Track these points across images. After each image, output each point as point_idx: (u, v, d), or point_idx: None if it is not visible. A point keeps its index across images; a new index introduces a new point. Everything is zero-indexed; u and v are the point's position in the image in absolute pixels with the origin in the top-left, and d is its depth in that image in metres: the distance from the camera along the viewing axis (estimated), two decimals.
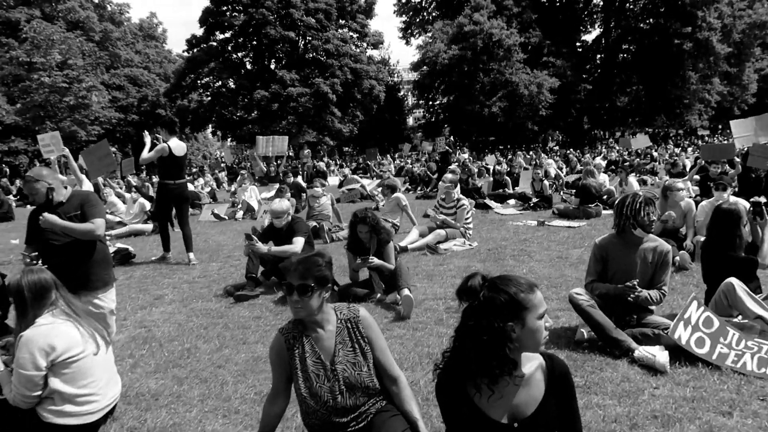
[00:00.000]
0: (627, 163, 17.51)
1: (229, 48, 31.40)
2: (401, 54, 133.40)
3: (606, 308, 4.19)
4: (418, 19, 51.77)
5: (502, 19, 41.07)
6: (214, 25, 29.92)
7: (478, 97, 41.03)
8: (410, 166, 19.78)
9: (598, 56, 51.14)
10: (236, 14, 27.98)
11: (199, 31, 31.02)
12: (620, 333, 4.02)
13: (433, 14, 51.09)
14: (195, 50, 31.08)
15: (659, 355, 3.80)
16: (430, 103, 47.16)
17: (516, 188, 13.38)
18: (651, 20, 46.17)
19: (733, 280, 4.27)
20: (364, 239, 5.67)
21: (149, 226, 10.83)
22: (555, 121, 45.52)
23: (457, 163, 21.80)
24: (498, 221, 10.35)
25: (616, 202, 4.36)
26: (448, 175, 8.74)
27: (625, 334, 4.06)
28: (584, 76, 48.80)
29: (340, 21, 28.69)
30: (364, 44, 31.19)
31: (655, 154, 25.74)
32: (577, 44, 51.66)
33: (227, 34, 30.89)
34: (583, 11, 50.51)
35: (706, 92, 45.18)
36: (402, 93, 56.75)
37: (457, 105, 44.14)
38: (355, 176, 17.16)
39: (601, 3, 49.97)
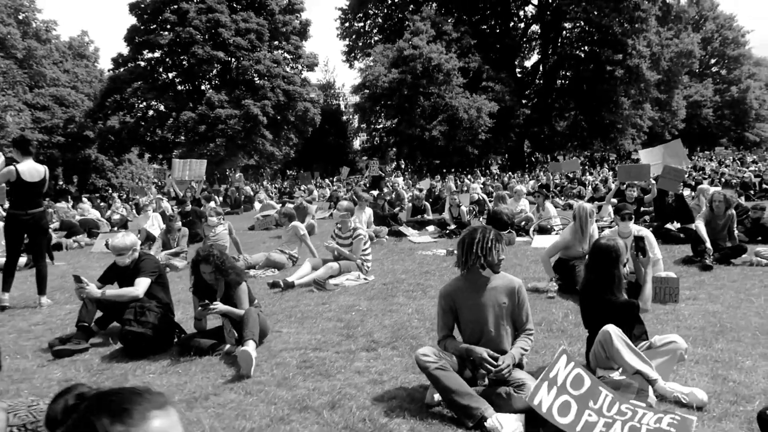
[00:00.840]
0: (544, 188, 17.34)
1: (159, 68, 30.13)
2: (347, 77, 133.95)
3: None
4: (360, 43, 51.86)
5: (441, 43, 41.39)
6: (141, 44, 28.65)
7: (418, 121, 41.01)
8: (338, 191, 19.06)
9: (537, 82, 52.27)
10: (163, 33, 26.84)
11: (126, 50, 29.65)
12: (474, 398, 3.36)
13: (375, 38, 51.29)
14: (121, 69, 29.66)
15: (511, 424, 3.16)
16: (372, 126, 46.90)
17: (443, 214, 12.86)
18: (585, 48, 47.62)
19: (610, 327, 3.69)
20: (210, 281, 4.85)
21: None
22: (495, 145, 45.92)
23: (387, 188, 21.33)
24: (407, 250, 9.71)
25: (461, 237, 3.80)
26: (343, 203, 8.04)
27: (481, 398, 3.41)
28: (523, 101, 49.75)
29: (274, 42, 27.96)
30: (299, 66, 30.52)
31: (590, 177, 26.08)
32: (517, 70, 52.79)
33: (156, 54, 29.67)
34: (521, 38, 51.68)
35: (638, 117, 46.70)
36: (347, 117, 56.54)
37: (399, 128, 44.17)
38: (272, 202, 16.31)
39: (539, 30, 51.36)
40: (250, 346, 4.34)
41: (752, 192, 17.30)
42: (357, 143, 58.35)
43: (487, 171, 44.11)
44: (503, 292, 3.65)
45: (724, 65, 63.74)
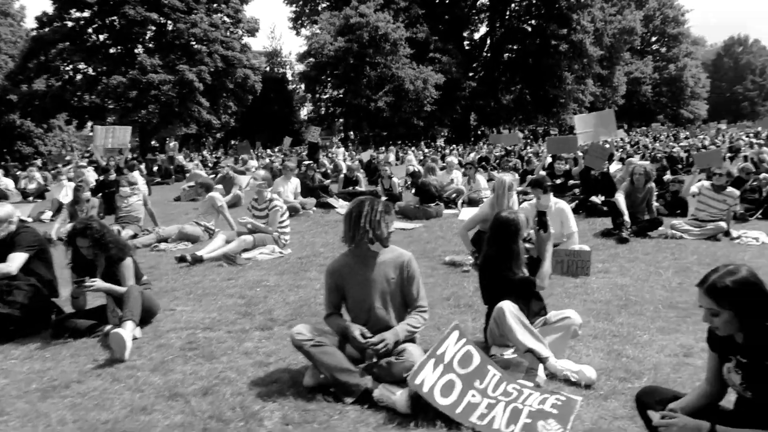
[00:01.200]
0: (483, 161, 17.40)
1: (88, 29, 28.15)
2: (294, 45, 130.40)
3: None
4: (307, 10, 50.48)
5: (389, 12, 40.66)
6: (67, 3, 26.58)
7: (364, 91, 40.45)
8: (273, 162, 18.47)
9: (485, 55, 52.30)
10: None
11: (51, 8, 27.46)
12: (352, 374, 3.17)
13: (323, 5, 49.99)
14: (46, 29, 27.58)
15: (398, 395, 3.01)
16: (318, 96, 45.99)
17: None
18: (532, 21, 47.85)
19: (504, 304, 3.53)
20: (89, 256, 4.43)
21: None
22: (441, 117, 45.87)
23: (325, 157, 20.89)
24: (333, 223, 9.41)
25: (348, 210, 3.54)
26: (260, 172, 7.65)
27: (363, 372, 3.23)
28: (470, 73, 49.76)
29: (212, 5, 26.54)
30: (239, 31, 29.14)
31: (528, 150, 26.42)
32: (465, 42, 52.62)
33: (85, 13, 27.66)
34: (470, 9, 51.33)
35: (580, 92, 47.49)
36: (293, 86, 55.09)
37: (345, 99, 43.50)
38: (200, 172, 15.63)
39: (488, 2, 51.10)
40: (126, 328, 3.98)
41: (680, 166, 17.77)
42: (304, 113, 57.13)
43: (432, 143, 44.07)
44: (391, 266, 3.43)
45: (664, 43, 65.47)
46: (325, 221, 9.63)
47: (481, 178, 10.89)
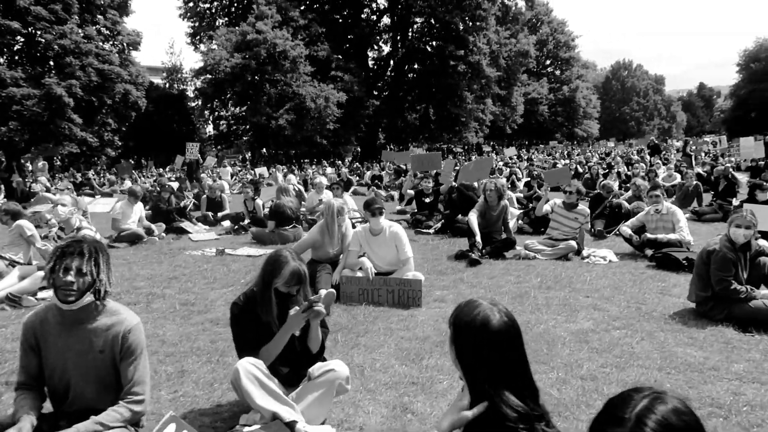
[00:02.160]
0: (377, 179, 16.99)
1: None
2: (193, 61, 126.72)
3: None
4: (204, 24, 48.91)
5: (288, 30, 39.98)
6: None
7: (264, 109, 39.43)
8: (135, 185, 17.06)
9: (389, 74, 52.71)
10: None
11: None
12: None
13: (221, 21, 48.71)
14: None
15: None
16: (217, 113, 44.44)
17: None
18: (432, 42, 48.79)
19: (240, 364, 2.85)
20: None
21: None
22: (345, 136, 45.55)
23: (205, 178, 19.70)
24: (176, 250, 8.47)
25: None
26: (66, 198, 6.63)
27: None
28: (375, 92, 49.91)
29: (85, 15, 24.46)
30: (119, 45, 27.07)
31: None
32: (370, 62, 52.83)
33: None
34: (372, 29, 51.62)
35: (480, 111, 48.86)
36: (195, 103, 52.89)
37: (245, 116, 42.34)
38: (48, 195, 14.07)
39: (390, 23, 51.70)
40: None
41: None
42: (210, 130, 55.00)
43: (337, 162, 43.57)
44: (102, 334, 2.60)
45: (557, 66, 69.12)
46: (168, 249, 8.64)
47: (348, 198, 10.32)
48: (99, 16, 25.97)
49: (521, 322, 4.56)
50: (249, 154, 52.76)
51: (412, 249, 5.72)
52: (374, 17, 52.18)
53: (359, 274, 5.48)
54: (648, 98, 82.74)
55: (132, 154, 47.97)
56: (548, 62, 69.05)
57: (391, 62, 52.32)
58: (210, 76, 40.02)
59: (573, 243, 7.34)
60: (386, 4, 51.31)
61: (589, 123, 67.94)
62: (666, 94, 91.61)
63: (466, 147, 56.16)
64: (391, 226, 5.75)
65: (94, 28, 25.10)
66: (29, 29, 22.85)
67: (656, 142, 25.89)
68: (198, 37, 50.35)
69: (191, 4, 48.97)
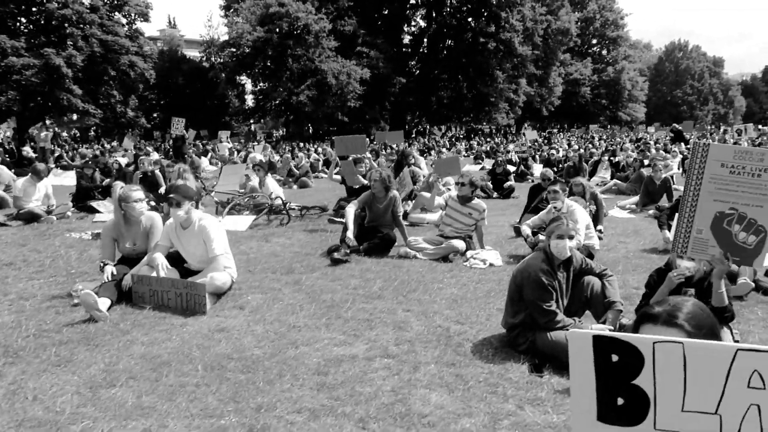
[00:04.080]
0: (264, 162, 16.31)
1: None
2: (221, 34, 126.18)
3: None
4: None
5: (312, 3, 39.22)
6: None
7: (286, 84, 39.09)
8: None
9: (420, 51, 51.27)
10: None
11: None
12: None
13: None
14: None
15: None
16: (240, 88, 44.41)
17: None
18: (467, 18, 46.93)
19: None
20: None
21: None
22: (371, 114, 44.69)
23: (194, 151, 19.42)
24: (60, 232, 8.07)
25: None
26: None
27: None
28: (405, 69, 48.62)
29: None
30: (127, 15, 27.00)
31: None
32: (407, 38, 51.48)
33: None
34: (405, 4, 50.09)
35: (512, 92, 46.92)
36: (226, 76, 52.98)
37: (268, 92, 42.18)
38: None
39: None
40: None
41: (555, 170, 16.95)
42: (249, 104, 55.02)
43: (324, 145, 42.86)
44: None
45: (604, 45, 65.78)
46: (55, 230, 8.23)
47: (271, 182, 9.65)
48: None
49: (292, 341, 3.92)
50: (283, 131, 52.59)
51: (285, 241, 5.06)
52: None
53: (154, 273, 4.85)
54: (703, 82, 77.85)
55: (166, 128, 48.68)
56: (594, 41, 65.77)
57: (425, 40, 50.85)
58: (233, 50, 39.85)
59: (456, 243, 6.48)
60: None
61: (635, 106, 64.51)
62: (725, 78, 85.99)
63: (496, 128, 54.28)
64: (201, 218, 5.09)
65: None
66: None
67: (678, 128, 23.92)
68: (232, 9, 50.20)
69: None
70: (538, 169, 18.09)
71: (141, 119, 41.95)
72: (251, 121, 56.29)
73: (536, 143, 29.23)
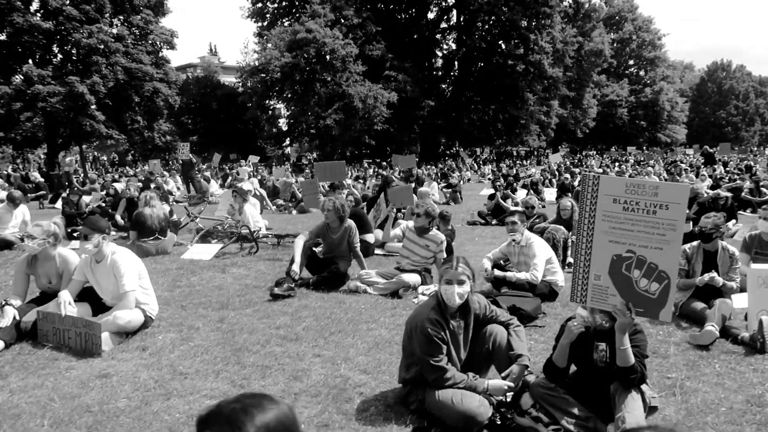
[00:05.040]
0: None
1: None
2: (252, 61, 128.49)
3: None
4: (266, 24, 49.79)
5: (340, 29, 39.65)
6: None
7: (313, 108, 39.48)
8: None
9: (450, 74, 51.10)
10: None
11: None
12: None
13: (285, 21, 49.34)
14: None
15: None
16: (271, 113, 45.07)
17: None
18: (497, 41, 46.57)
19: None
20: None
21: None
22: (397, 137, 44.58)
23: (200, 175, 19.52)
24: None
25: None
26: None
27: None
28: (434, 92, 48.43)
29: (119, 16, 25.28)
30: (149, 44, 27.63)
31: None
32: (438, 61, 51.43)
33: None
34: (435, 28, 50.17)
35: (542, 114, 46.08)
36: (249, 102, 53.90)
37: (296, 115, 42.74)
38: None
39: (455, 23, 49.85)
40: None
41: (570, 194, 16.28)
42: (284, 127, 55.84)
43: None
44: None
45: (641, 66, 64.35)
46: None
47: (249, 209, 9.42)
48: (135, 16, 26.69)
49: (167, 392, 3.59)
50: (315, 154, 52.95)
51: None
52: (438, 15, 50.66)
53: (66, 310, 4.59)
54: (748, 102, 75.02)
55: (202, 152, 49.75)
56: (631, 62, 64.38)
57: (455, 63, 50.68)
58: (263, 75, 40.53)
59: (408, 277, 6.05)
60: (453, 1, 49.65)
61: (674, 128, 62.53)
62: None
63: (528, 151, 53.34)
64: (114, 252, 4.83)
65: (125, 27, 25.78)
66: (60, 28, 23.77)
67: (710, 150, 22.79)
68: (265, 37, 51.34)
69: (259, 5, 49.92)
70: (551, 194, 17.48)
71: (178, 142, 42.93)
72: (284, 145, 56.93)
73: (560, 167, 28.39)
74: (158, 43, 28.65)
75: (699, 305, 4.96)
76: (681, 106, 63.80)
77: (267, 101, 43.53)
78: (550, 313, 5.38)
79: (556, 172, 25.40)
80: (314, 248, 6.78)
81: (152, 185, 14.98)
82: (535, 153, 53.48)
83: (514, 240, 5.85)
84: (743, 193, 13.58)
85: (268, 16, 49.92)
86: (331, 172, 9.78)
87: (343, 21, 40.94)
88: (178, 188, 18.72)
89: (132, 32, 26.93)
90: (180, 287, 6.42)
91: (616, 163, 32.57)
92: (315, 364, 4.12)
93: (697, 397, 3.57)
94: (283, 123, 50.10)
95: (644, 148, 54.04)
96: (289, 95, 42.62)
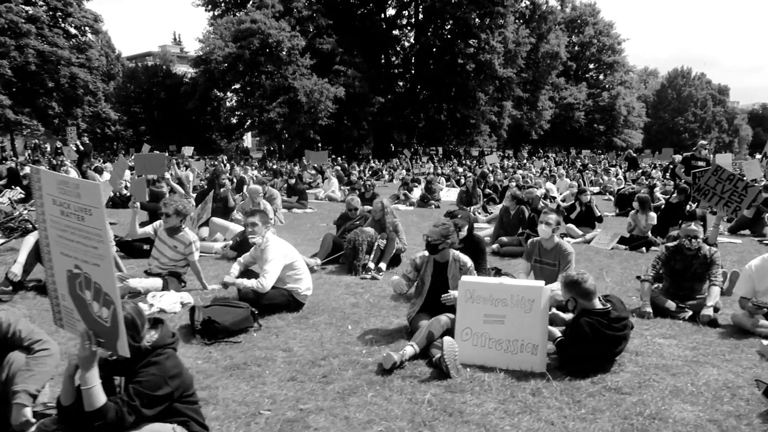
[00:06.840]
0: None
1: None
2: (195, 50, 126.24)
3: None
4: (218, 12, 48.52)
5: (289, 21, 38.72)
6: None
7: (257, 101, 38.52)
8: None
9: (401, 71, 50.52)
10: None
11: None
12: None
13: (236, 12, 48.16)
14: None
15: None
16: (216, 103, 43.98)
17: None
18: (448, 38, 46.09)
19: None
20: None
21: None
22: (345, 133, 43.88)
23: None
24: None
25: None
26: None
27: None
28: (388, 88, 47.72)
29: None
30: (70, 27, 26.36)
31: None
32: (391, 57, 50.64)
33: None
34: (390, 25, 49.42)
35: (493, 114, 45.78)
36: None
37: (239, 107, 41.87)
38: None
39: (413, 20, 49.14)
40: None
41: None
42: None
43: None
44: None
45: (601, 70, 64.67)
46: None
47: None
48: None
49: None
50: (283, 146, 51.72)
51: None
52: (397, 11, 49.89)
53: None
54: (706, 109, 76.12)
55: (154, 144, 48.23)
56: (591, 66, 64.63)
57: (412, 60, 50.05)
58: (203, 66, 39.40)
59: (135, 281, 5.35)
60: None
61: (631, 132, 62.96)
62: (730, 106, 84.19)
63: (481, 151, 53.06)
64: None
65: (41, 8, 24.56)
66: None
67: (633, 154, 22.61)
68: (213, 26, 49.98)
69: None
70: (450, 194, 17.04)
71: (128, 132, 41.61)
72: (233, 138, 55.24)
73: (496, 168, 27.95)
74: (82, 27, 27.37)
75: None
76: (638, 111, 64.29)
77: (212, 92, 42.35)
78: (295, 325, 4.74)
79: (488, 173, 24.98)
80: None
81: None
82: (485, 153, 53.23)
83: (254, 242, 5.20)
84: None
85: (223, 5, 48.58)
86: (150, 165, 9.05)
87: (292, 12, 40.01)
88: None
89: (49, 15, 25.64)
90: None
91: (560, 166, 32.33)
92: None
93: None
94: (231, 115, 48.96)
95: (599, 152, 54.14)
96: (239, 87, 41.71)
